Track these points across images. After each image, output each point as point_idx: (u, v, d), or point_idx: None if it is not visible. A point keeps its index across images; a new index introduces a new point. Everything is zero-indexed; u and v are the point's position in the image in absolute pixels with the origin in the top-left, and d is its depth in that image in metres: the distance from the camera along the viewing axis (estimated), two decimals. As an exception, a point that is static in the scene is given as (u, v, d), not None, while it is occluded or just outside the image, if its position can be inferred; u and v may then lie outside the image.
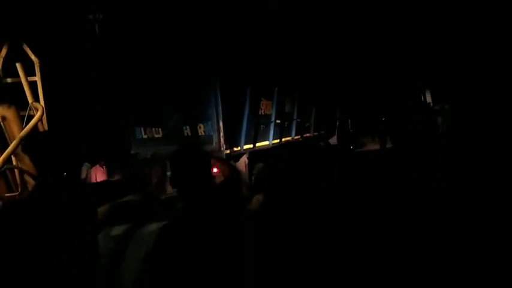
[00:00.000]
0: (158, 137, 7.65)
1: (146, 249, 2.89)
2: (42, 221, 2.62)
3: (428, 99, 18.04)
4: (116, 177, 7.75)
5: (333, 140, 13.07)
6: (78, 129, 5.04)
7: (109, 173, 7.73)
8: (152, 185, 7.77)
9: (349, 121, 14.68)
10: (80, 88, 5.18)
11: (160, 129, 7.60)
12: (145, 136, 7.70)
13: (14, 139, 2.85)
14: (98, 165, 7.64)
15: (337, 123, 13.48)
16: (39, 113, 2.89)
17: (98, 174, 7.63)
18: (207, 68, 7.10)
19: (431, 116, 16.10)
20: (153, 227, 3.30)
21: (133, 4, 6.05)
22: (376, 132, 15.57)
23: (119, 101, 6.81)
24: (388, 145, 14.71)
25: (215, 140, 7.35)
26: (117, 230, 3.24)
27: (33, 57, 3.09)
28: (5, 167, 2.91)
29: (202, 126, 7.47)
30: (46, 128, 3.13)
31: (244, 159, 7.92)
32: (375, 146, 15.01)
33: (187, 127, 7.52)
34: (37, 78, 3.14)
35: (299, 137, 10.35)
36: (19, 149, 2.86)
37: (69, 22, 4.73)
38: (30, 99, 3.04)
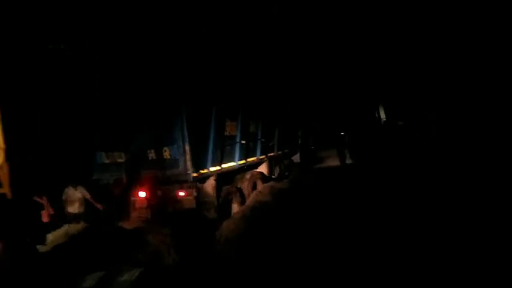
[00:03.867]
0: (121, 162, 7.36)
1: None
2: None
3: (382, 115, 18.89)
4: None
5: (296, 158, 13.23)
6: (40, 160, 4.71)
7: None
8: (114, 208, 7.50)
9: (310, 139, 14.96)
10: (41, 117, 4.86)
11: (123, 153, 7.32)
12: (107, 161, 7.37)
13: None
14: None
15: (299, 141, 13.68)
16: (0, 159, 2.62)
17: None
18: (171, 91, 6.94)
19: (386, 131, 16.81)
20: (125, 277, 3.17)
21: (100, 33, 5.83)
22: (336, 147, 15.99)
23: (81, 126, 6.53)
24: (348, 161, 15.09)
25: (181, 163, 7.17)
26: (89, 282, 3.07)
27: None
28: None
29: (167, 149, 7.27)
30: (5, 168, 2.85)
31: (211, 181, 7.78)
32: (335, 162, 15.39)
33: (152, 151, 7.29)
34: (-5, 115, 2.85)
35: (264, 156, 10.36)
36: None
37: (31, 53, 4.44)
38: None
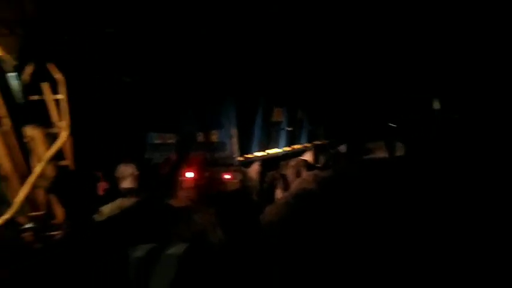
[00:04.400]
0: (171, 142, 7.67)
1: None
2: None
3: (436, 106, 17.97)
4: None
5: (343, 148, 13.02)
6: (99, 139, 5.08)
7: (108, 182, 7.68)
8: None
9: (358, 129, 14.59)
10: (100, 99, 5.18)
11: (173, 135, 7.62)
12: (158, 141, 7.72)
13: (40, 160, 2.82)
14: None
15: (347, 131, 13.42)
16: (65, 133, 2.85)
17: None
18: (221, 76, 7.08)
19: (441, 124, 16.05)
20: (173, 251, 3.37)
21: (155, 17, 6.04)
22: (385, 138, 15.48)
23: (134, 108, 6.86)
24: (399, 152, 14.58)
25: (228, 147, 7.35)
26: (139, 252, 3.28)
27: (58, 75, 3.03)
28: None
29: (215, 133, 7.47)
30: (70, 147, 3.10)
31: (256, 166, 7.89)
32: (384, 153, 14.92)
33: (201, 133, 7.52)
34: (62, 96, 3.09)
35: (309, 144, 10.32)
36: (45, 170, 2.83)
37: (89, 37, 4.71)
38: (55, 118, 3.00)
